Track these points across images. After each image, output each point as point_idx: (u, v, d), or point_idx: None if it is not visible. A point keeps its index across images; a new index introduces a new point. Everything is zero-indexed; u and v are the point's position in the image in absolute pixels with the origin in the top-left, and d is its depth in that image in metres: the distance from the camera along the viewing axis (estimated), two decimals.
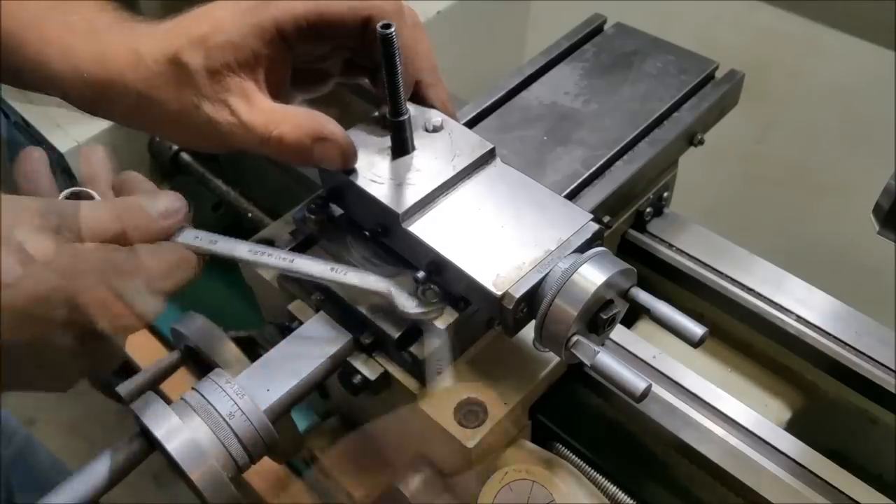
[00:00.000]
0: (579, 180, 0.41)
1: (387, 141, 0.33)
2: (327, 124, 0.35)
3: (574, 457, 0.40)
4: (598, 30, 0.51)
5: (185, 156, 0.65)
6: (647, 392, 0.29)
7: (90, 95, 0.35)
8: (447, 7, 0.70)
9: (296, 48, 0.34)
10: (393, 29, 0.25)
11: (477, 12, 0.74)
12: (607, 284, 0.31)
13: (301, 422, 0.46)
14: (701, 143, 0.47)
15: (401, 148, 0.33)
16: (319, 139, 0.34)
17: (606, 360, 0.30)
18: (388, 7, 0.34)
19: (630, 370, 0.30)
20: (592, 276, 0.31)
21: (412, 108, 0.32)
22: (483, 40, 0.76)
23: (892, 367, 0.43)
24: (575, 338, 0.30)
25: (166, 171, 0.67)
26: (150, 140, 0.65)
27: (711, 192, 0.74)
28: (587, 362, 0.30)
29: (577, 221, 0.33)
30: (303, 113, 0.35)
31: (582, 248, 0.33)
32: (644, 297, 0.33)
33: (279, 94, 0.36)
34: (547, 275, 0.32)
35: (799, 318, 0.45)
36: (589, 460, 0.40)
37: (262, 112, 0.35)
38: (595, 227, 0.33)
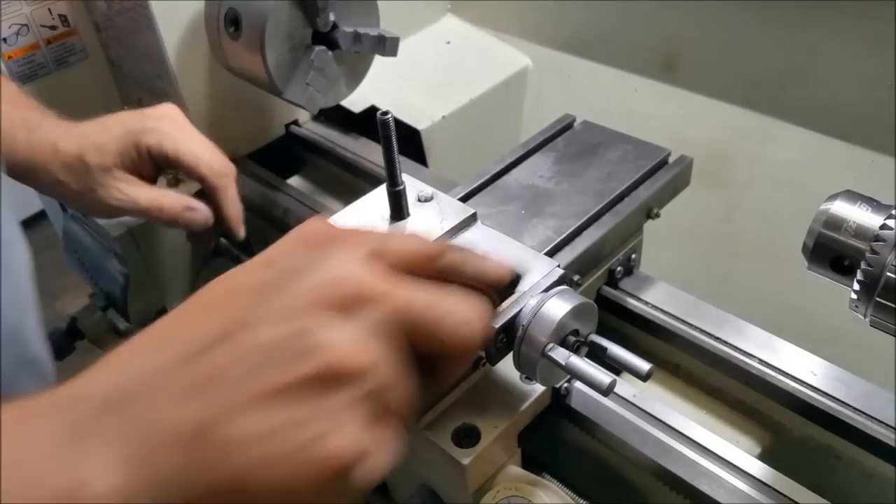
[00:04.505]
0: (552, 245, 0.49)
1: (386, 208, 0.42)
2: (193, 200, 0.56)
3: (560, 485, 0.45)
4: (569, 126, 0.61)
5: (223, 241, 0.74)
6: (612, 386, 0.35)
7: (22, 172, 0.51)
8: (451, 113, 0.83)
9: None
10: (390, 115, 0.34)
11: (476, 117, 0.86)
12: (571, 315, 0.38)
13: None
14: (657, 216, 0.55)
15: (398, 214, 0.42)
16: (189, 208, 0.56)
17: (577, 361, 0.36)
18: (219, 170, 0.56)
19: (598, 368, 0.35)
20: (557, 307, 0.38)
21: (407, 182, 0.41)
22: (482, 140, 0.88)
23: (849, 403, 0.48)
24: (550, 345, 0.37)
25: (207, 256, 0.76)
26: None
27: (683, 265, 0.82)
28: (561, 362, 0.36)
29: (546, 268, 0.41)
30: (173, 193, 0.56)
31: (549, 289, 0.40)
32: (599, 339, 0.38)
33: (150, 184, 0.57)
34: (521, 310, 0.39)
35: (761, 361, 0.51)
36: (574, 488, 0.45)
37: (143, 191, 0.54)
38: (560, 272, 0.41)
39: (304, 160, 0.78)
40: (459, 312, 0.29)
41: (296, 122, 0.78)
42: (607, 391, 0.35)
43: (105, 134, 0.53)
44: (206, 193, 0.57)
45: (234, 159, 0.73)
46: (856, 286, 0.34)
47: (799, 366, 0.49)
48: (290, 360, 0.24)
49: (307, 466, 0.24)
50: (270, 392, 0.24)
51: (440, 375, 0.30)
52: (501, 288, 0.36)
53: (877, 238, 0.33)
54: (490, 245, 0.42)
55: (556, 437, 0.49)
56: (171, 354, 0.25)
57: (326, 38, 0.65)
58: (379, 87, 0.75)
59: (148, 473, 0.23)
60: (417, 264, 0.29)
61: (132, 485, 0.22)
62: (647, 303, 0.55)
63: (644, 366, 0.37)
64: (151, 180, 0.57)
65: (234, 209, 0.58)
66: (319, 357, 0.24)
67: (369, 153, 0.72)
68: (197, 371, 0.24)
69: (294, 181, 0.76)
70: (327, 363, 0.24)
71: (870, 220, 0.34)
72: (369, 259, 0.27)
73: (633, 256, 0.57)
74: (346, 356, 0.25)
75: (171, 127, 0.55)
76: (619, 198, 0.54)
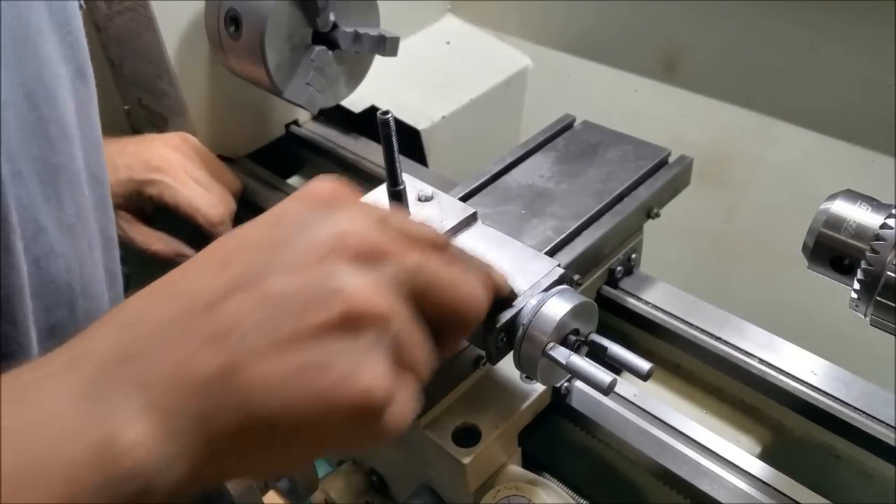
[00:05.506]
0: (551, 245, 0.49)
1: (386, 207, 0.42)
2: (183, 247, 0.62)
3: (560, 484, 0.45)
4: (569, 126, 0.61)
5: None
6: (613, 385, 0.35)
7: None
8: (451, 113, 0.83)
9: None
10: (390, 115, 0.35)
11: (476, 117, 0.87)
12: (571, 314, 0.38)
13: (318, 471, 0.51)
14: (657, 216, 0.55)
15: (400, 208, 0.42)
16: (180, 255, 0.62)
17: (577, 360, 0.36)
18: (213, 220, 0.62)
19: (598, 368, 0.35)
20: (558, 307, 0.38)
21: (407, 181, 0.41)
22: (482, 140, 0.88)
23: (849, 402, 0.48)
24: (550, 344, 0.37)
25: None
26: None
27: (683, 265, 0.82)
28: (562, 361, 0.36)
29: (546, 267, 0.41)
30: (166, 238, 0.62)
31: (549, 288, 0.40)
32: (600, 339, 0.38)
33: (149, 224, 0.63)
34: (521, 309, 0.39)
35: (762, 361, 0.51)
36: (574, 488, 0.45)
37: (139, 234, 0.61)
38: (560, 271, 0.41)
39: (304, 160, 0.78)
40: (470, 279, 0.29)
41: (296, 122, 0.78)
42: (608, 390, 0.35)
43: (112, 175, 0.58)
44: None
45: (235, 159, 0.74)
46: (856, 285, 0.34)
47: (799, 365, 0.50)
48: (312, 306, 0.24)
49: (339, 404, 0.24)
50: (294, 336, 0.23)
51: (440, 345, 0.30)
52: (499, 299, 0.36)
53: (877, 237, 0.33)
54: (490, 245, 0.42)
55: (557, 437, 0.49)
56: (183, 305, 0.24)
57: (326, 38, 0.65)
58: (379, 87, 0.75)
59: (172, 419, 0.23)
60: (421, 245, 0.29)
61: (158, 432, 0.22)
62: (647, 302, 0.55)
63: (644, 365, 0.37)
64: (152, 216, 0.63)
65: None
66: (341, 302, 0.24)
67: (369, 153, 0.72)
68: (214, 320, 0.24)
69: (294, 181, 0.76)
70: (349, 307, 0.24)
71: (870, 219, 0.34)
72: (378, 223, 0.28)
73: (633, 256, 0.57)
74: (368, 301, 0.25)
75: (173, 178, 0.61)
76: (619, 198, 0.54)
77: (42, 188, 0.32)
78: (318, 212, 0.27)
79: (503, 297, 0.37)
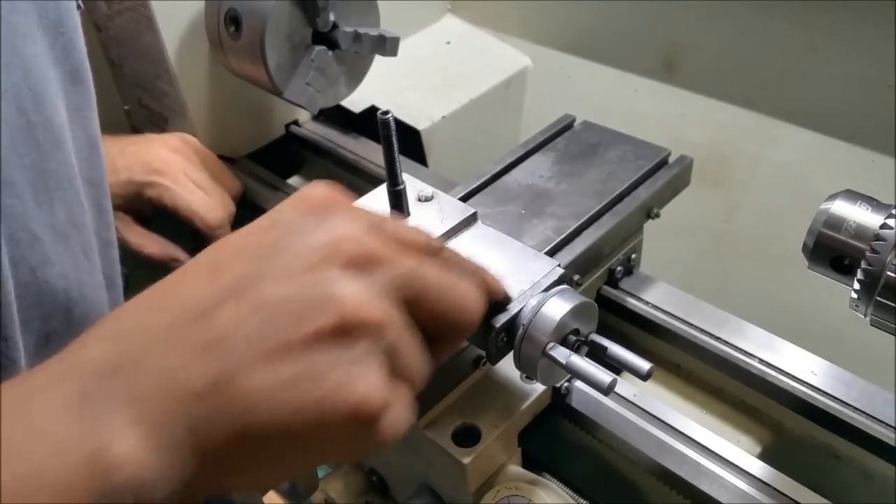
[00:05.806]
0: (551, 245, 0.49)
1: (386, 207, 0.42)
2: (178, 251, 0.62)
3: (561, 484, 0.45)
4: (569, 126, 0.61)
5: None
6: (613, 385, 0.34)
7: None
8: (451, 113, 0.83)
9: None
10: (390, 115, 0.35)
11: (476, 117, 0.87)
12: (571, 314, 0.38)
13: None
14: (657, 216, 0.55)
15: (398, 213, 0.42)
16: (174, 259, 0.62)
17: (577, 360, 0.36)
18: (212, 223, 0.61)
19: (598, 368, 0.35)
20: (558, 307, 0.38)
21: (407, 181, 0.41)
22: (482, 140, 0.88)
23: (849, 402, 0.48)
24: (550, 344, 0.37)
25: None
26: None
27: (683, 265, 0.82)
28: (562, 362, 0.36)
29: (546, 267, 0.41)
30: (160, 241, 0.62)
31: (549, 288, 0.40)
32: (600, 339, 0.38)
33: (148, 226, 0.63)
34: (521, 309, 0.39)
35: (762, 361, 0.51)
36: (574, 488, 0.45)
37: (134, 236, 0.61)
38: (560, 271, 0.41)
39: (304, 160, 0.78)
40: (464, 285, 0.29)
41: (296, 122, 0.78)
42: (608, 390, 0.35)
43: (112, 175, 0.57)
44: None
45: (235, 159, 0.74)
46: (856, 285, 0.34)
47: (799, 365, 0.50)
48: (306, 313, 0.24)
49: (335, 412, 0.23)
50: (288, 345, 0.23)
51: (435, 351, 0.29)
52: (493, 304, 0.36)
53: (877, 237, 0.33)
54: (490, 245, 0.42)
55: (557, 437, 0.49)
56: (176, 314, 0.24)
57: (326, 38, 0.65)
58: (379, 87, 0.75)
59: (163, 431, 0.22)
60: (415, 251, 0.29)
61: (149, 444, 0.22)
62: (647, 302, 0.55)
63: (644, 365, 0.37)
64: (151, 218, 0.63)
65: None
66: (336, 309, 0.24)
67: (369, 153, 0.72)
68: (207, 328, 0.23)
69: (294, 181, 0.76)
70: (344, 315, 0.24)
71: (870, 219, 0.34)
72: (372, 228, 0.27)
73: (633, 256, 0.57)
74: (363, 308, 0.24)
75: (172, 181, 0.61)
76: (619, 198, 0.54)
77: (34, 196, 0.32)
78: (311, 217, 0.27)
79: (497, 302, 0.37)
